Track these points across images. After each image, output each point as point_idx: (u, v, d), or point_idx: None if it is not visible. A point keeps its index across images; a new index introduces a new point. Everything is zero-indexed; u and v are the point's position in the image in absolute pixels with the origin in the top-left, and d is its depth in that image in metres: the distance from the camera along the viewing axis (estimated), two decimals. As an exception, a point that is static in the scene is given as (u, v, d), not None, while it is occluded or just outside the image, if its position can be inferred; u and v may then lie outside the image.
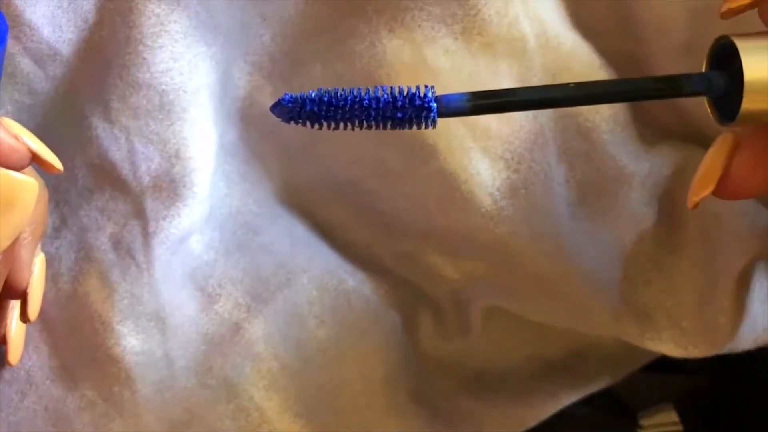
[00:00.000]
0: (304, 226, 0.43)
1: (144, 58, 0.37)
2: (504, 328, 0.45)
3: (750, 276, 0.40)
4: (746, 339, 0.40)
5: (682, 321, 0.41)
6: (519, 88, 0.29)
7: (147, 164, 0.38)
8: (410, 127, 0.28)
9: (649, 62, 0.40)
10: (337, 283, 0.42)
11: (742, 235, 0.39)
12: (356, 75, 0.38)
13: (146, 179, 0.38)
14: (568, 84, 0.28)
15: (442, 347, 0.45)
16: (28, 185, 0.30)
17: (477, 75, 0.38)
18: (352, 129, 0.28)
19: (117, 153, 0.38)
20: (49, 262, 0.39)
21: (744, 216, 0.39)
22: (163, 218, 0.39)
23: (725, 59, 0.29)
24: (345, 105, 0.28)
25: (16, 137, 0.32)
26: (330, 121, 0.28)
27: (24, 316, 0.36)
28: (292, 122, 0.28)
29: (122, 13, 0.36)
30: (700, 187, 0.31)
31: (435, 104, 0.28)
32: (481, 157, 0.38)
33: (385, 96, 0.28)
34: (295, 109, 0.28)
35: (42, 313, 0.38)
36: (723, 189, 0.31)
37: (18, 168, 0.31)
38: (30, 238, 0.35)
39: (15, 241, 0.33)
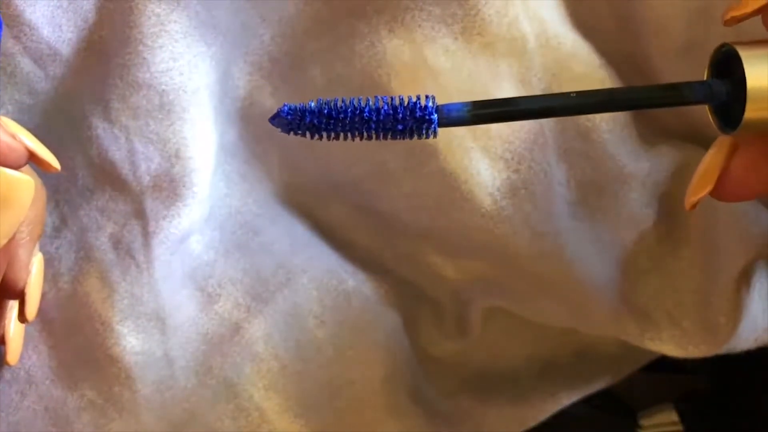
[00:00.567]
0: (304, 226, 0.43)
1: (144, 58, 0.37)
2: (504, 329, 0.45)
3: (750, 276, 0.40)
4: (746, 339, 0.40)
5: (682, 321, 0.41)
6: (520, 97, 0.29)
7: (147, 164, 0.38)
8: (411, 138, 0.28)
9: (648, 62, 0.40)
10: (337, 283, 0.42)
11: (742, 235, 0.39)
12: (356, 75, 0.38)
13: (146, 179, 0.38)
14: (569, 93, 0.28)
15: (442, 347, 0.45)
16: (24, 183, 0.30)
17: (477, 75, 0.38)
18: (353, 140, 0.28)
19: (117, 153, 0.38)
20: (49, 262, 0.39)
21: (744, 216, 0.39)
22: (163, 218, 0.39)
23: (727, 67, 0.29)
24: (345, 117, 0.27)
25: (13, 136, 0.32)
26: (330, 132, 0.28)
27: (22, 316, 0.36)
28: (292, 133, 0.28)
29: (122, 13, 0.36)
30: (698, 188, 0.31)
31: (436, 115, 0.28)
32: (481, 157, 0.38)
33: (386, 108, 0.27)
34: (295, 121, 0.28)
35: (42, 313, 0.38)
36: (721, 190, 0.31)
37: (15, 167, 0.31)
38: (27, 237, 0.35)
39: (12, 241, 0.33)
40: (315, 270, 0.42)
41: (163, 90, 0.37)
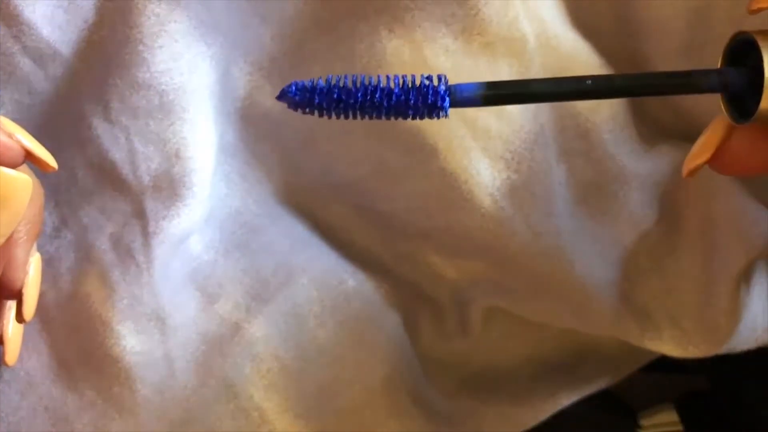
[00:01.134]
0: (304, 226, 0.43)
1: (144, 58, 0.37)
2: (504, 329, 0.45)
3: (750, 276, 0.40)
4: (746, 339, 0.40)
5: (682, 321, 0.41)
6: (533, 79, 0.28)
7: (147, 164, 0.38)
8: (422, 118, 0.27)
9: (648, 62, 0.40)
10: (337, 283, 0.42)
11: (742, 235, 0.39)
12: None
13: (146, 179, 0.38)
14: (584, 77, 0.28)
15: (442, 347, 0.45)
16: (22, 182, 0.30)
17: (477, 75, 0.38)
18: (361, 119, 0.27)
19: (117, 153, 0.38)
20: (49, 263, 0.39)
21: (744, 216, 0.39)
22: (163, 218, 0.39)
23: (743, 55, 0.29)
24: (355, 101, 0.27)
25: (9, 135, 0.32)
26: (339, 113, 0.27)
27: (20, 316, 0.36)
28: (299, 111, 0.27)
29: (122, 13, 0.36)
30: (697, 155, 0.31)
31: (448, 97, 0.27)
32: (481, 157, 0.38)
33: (397, 90, 0.27)
34: (303, 101, 0.27)
35: (42, 313, 0.38)
36: (719, 160, 0.31)
37: (11, 166, 0.31)
38: (25, 237, 0.35)
39: (10, 241, 0.33)
40: (315, 270, 0.42)
41: (163, 90, 0.37)
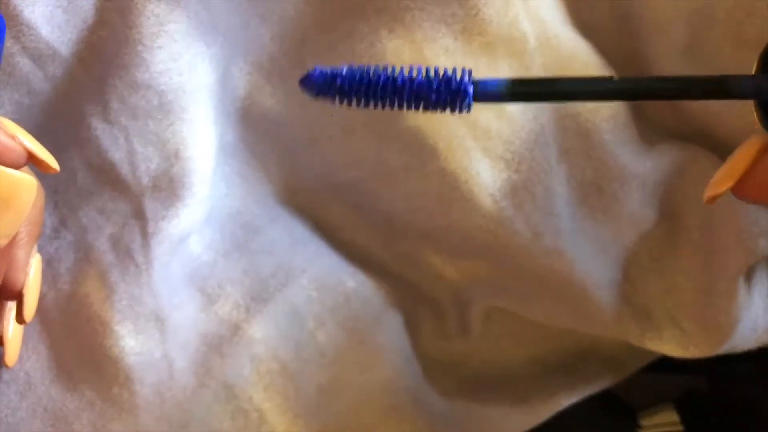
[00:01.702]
0: (304, 226, 0.43)
1: (143, 58, 0.36)
2: (504, 329, 0.45)
3: (750, 276, 0.40)
4: (747, 339, 0.40)
5: (682, 321, 0.41)
6: (559, 78, 0.28)
7: (146, 164, 0.38)
8: (443, 110, 0.27)
9: (648, 62, 0.40)
10: (337, 284, 0.42)
11: (742, 235, 0.39)
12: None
13: (145, 179, 0.38)
14: (611, 77, 0.27)
15: (442, 347, 0.45)
16: (26, 183, 0.30)
17: (477, 75, 0.38)
18: (382, 108, 0.27)
19: (116, 153, 0.38)
20: (49, 263, 0.39)
21: (744, 216, 0.39)
22: (163, 218, 0.38)
23: None
24: (377, 84, 0.26)
25: (12, 136, 0.32)
26: (360, 98, 0.27)
27: (20, 317, 0.36)
28: (320, 96, 0.27)
29: (121, 14, 0.36)
30: (720, 182, 0.30)
31: (471, 89, 0.27)
32: (481, 157, 0.38)
33: (420, 77, 0.26)
34: (325, 84, 0.27)
35: (41, 313, 0.38)
36: (742, 189, 0.30)
37: (14, 167, 0.31)
38: (26, 238, 0.35)
39: (11, 242, 0.33)
40: (315, 270, 0.42)
41: (163, 90, 0.37)
